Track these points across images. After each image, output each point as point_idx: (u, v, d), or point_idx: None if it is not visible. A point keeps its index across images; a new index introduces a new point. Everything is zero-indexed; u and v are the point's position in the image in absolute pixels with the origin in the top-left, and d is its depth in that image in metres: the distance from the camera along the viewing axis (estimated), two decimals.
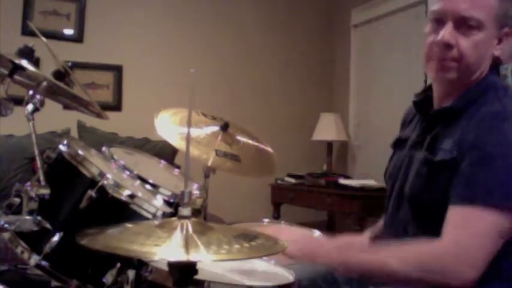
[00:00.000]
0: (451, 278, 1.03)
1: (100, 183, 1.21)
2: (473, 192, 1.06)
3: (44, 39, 1.45)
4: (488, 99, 1.16)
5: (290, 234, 1.19)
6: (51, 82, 1.30)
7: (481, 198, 1.05)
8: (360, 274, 1.17)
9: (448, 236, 1.06)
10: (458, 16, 1.15)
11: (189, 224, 0.92)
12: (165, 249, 0.86)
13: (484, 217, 1.04)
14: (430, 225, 1.14)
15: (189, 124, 1.02)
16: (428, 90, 1.31)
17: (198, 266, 0.91)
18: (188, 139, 1.02)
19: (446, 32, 1.15)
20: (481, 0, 1.15)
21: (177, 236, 0.90)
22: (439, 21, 1.18)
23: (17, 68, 1.24)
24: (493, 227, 1.04)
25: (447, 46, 1.16)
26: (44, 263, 1.18)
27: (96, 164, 1.27)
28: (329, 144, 4.13)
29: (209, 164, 1.77)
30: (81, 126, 3.39)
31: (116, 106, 3.76)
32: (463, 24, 1.15)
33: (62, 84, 1.33)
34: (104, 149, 1.67)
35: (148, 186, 1.54)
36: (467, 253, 1.04)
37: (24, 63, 1.24)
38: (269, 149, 2.06)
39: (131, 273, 1.20)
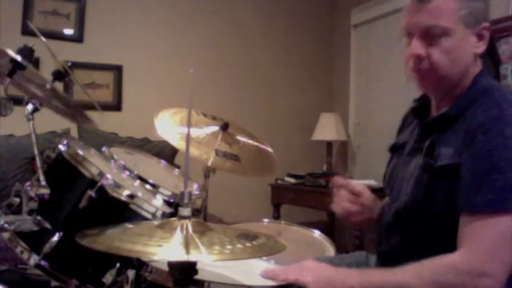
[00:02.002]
0: None
1: (100, 183, 1.21)
2: (481, 199, 1.04)
3: (44, 39, 1.45)
4: (484, 103, 1.13)
5: (315, 274, 1.14)
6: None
7: (489, 204, 1.03)
8: None
9: (463, 249, 1.05)
10: (422, 27, 1.15)
11: (189, 224, 0.93)
12: (166, 250, 0.86)
13: (495, 224, 1.03)
14: (435, 232, 1.13)
15: (189, 124, 1.02)
16: (426, 95, 1.31)
17: (199, 266, 0.91)
18: (188, 139, 1.02)
19: (414, 45, 1.17)
20: (441, 6, 1.14)
21: (178, 236, 0.90)
22: (409, 35, 1.20)
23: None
24: (506, 233, 1.02)
25: (418, 57, 1.17)
26: (43, 262, 1.18)
27: (96, 164, 1.27)
28: (329, 144, 4.13)
29: (209, 164, 1.77)
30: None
31: (116, 106, 3.76)
32: (429, 34, 1.15)
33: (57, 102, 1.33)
34: (104, 149, 1.67)
35: (148, 186, 1.54)
36: (485, 266, 1.02)
37: (24, 63, 1.24)
38: (269, 149, 2.06)
39: (131, 273, 1.20)
